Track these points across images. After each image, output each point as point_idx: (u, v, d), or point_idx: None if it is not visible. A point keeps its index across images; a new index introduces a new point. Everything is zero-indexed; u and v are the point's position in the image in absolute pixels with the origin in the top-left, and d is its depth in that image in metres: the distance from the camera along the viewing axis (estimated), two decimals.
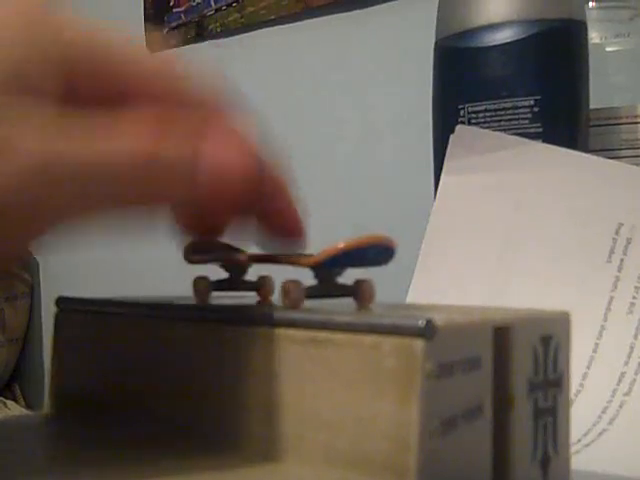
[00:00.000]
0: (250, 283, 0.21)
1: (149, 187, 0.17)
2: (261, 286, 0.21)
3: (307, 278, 0.20)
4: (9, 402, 0.97)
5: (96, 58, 0.18)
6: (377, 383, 0.15)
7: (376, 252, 0.19)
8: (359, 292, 0.20)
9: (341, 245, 0.19)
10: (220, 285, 0.21)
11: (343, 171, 0.77)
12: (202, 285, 0.21)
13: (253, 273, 0.21)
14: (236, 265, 0.21)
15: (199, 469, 0.16)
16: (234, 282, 0.21)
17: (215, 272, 0.21)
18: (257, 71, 0.84)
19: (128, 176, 0.17)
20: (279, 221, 0.21)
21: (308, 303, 0.19)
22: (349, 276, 0.20)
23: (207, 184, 0.18)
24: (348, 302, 0.20)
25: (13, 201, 0.16)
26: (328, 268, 0.19)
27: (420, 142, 0.49)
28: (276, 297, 0.21)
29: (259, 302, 0.21)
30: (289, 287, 0.19)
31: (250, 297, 0.21)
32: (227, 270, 0.21)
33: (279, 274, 0.20)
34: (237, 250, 0.21)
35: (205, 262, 0.20)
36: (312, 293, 0.19)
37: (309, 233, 0.21)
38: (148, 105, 0.18)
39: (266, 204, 0.20)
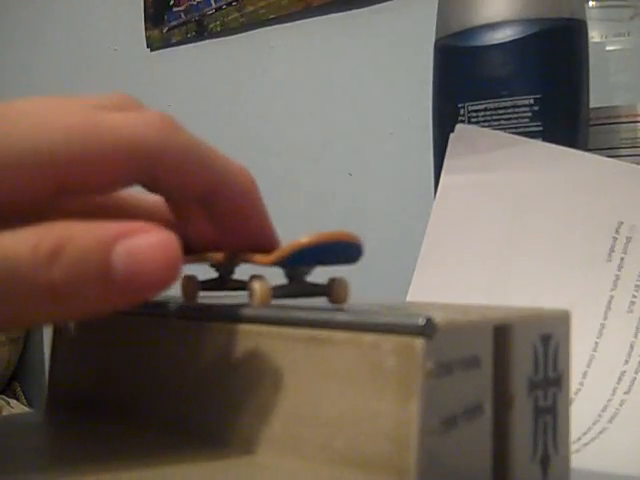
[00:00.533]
0: (239, 282, 0.21)
1: (54, 289, 0.15)
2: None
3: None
4: (12, 401, 0.97)
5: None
6: (377, 382, 0.15)
7: (342, 249, 0.18)
8: (332, 291, 0.19)
9: (299, 242, 0.18)
10: (208, 284, 0.21)
11: (343, 171, 0.77)
12: (190, 284, 0.21)
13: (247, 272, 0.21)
14: (224, 264, 0.21)
15: (195, 467, 0.16)
16: (222, 281, 0.21)
17: (204, 271, 0.21)
18: (257, 71, 0.84)
19: (29, 273, 0.15)
20: (252, 239, 0.20)
21: (277, 302, 0.18)
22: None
23: (121, 282, 0.15)
24: (321, 301, 0.19)
25: None
26: (293, 266, 0.19)
27: (420, 141, 0.49)
28: None
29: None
30: (254, 286, 0.18)
31: (244, 296, 0.21)
32: (216, 270, 0.21)
33: (273, 273, 0.20)
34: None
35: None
36: (281, 292, 0.19)
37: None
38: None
39: (239, 224, 0.20)
